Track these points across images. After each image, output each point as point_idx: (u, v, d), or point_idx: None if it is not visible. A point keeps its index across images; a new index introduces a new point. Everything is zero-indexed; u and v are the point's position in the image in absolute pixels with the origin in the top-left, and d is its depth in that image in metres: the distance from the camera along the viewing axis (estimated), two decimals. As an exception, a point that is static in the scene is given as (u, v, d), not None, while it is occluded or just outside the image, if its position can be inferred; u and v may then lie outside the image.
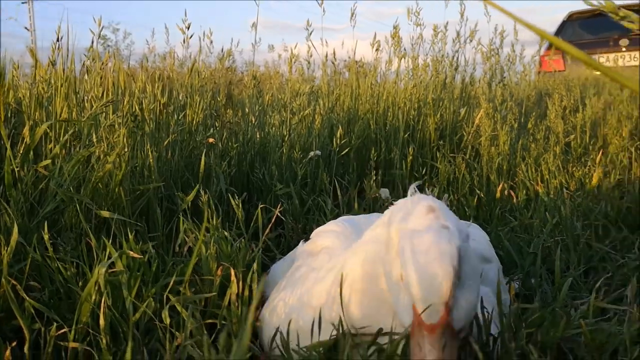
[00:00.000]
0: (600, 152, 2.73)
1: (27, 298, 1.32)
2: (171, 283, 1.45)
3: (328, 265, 1.35)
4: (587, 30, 7.88)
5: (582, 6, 0.90)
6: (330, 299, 1.23)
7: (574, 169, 2.97)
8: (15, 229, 1.43)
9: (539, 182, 2.90)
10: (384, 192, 2.51)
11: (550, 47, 7.61)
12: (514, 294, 1.80)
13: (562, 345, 1.22)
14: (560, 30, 8.64)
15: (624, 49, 7.43)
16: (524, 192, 2.87)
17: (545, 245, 2.05)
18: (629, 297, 1.31)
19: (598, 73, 6.32)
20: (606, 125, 3.69)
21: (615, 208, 2.47)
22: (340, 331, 1.18)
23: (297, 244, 1.72)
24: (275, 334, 1.28)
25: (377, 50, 4.13)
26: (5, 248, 1.41)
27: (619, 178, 2.82)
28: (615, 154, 3.22)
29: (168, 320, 1.32)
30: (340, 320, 1.19)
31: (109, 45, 9.34)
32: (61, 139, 2.06)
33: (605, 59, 7.21)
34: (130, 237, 1.51)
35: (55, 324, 1.28)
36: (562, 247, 2.13)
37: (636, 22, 0.88)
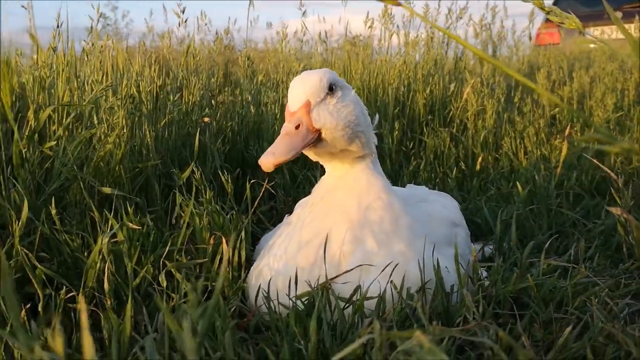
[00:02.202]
0: (569, 127, 2.84)
1: (39, 265, 1.46)
2: (166, 251, 1.59)
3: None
4: (582, 3, 7.89)
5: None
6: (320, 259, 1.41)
7: (557, 140, 3.09)
8: (26, 205, 1.57)
9: (523, 154, 3.02)
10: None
11: (546, 20, 7.64)
12: (487, 257, 1.95)
13: (517, 297, 1.36)
14: (556, 3, 8.66)
15: (617, 21, 7.44)
16: (508, 163, 3.00)
17: (519, 212, 2.18)
18: (572, 254, 1.45)
19: (592, 46, 6.38)
20: (592, 98, 3.79)
21: (589, 176, 2.60)
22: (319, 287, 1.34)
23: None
24: (257, 293, 1.44)
25: (370, 27, 4.24)
26: (17, 222, 1.55)
27: (597, 149, 2.94)
28: (598, 126, 3.33)
29: (165, 284, 1.47)
30: (319, 277, 1.36)
31: (107, 24, 9.29)
32: (64, 121, 2.19)
33: (600, 31, 7.25)
34: (130, 210, 1.65)
35: (64, 288, 1.43)
36: (537, 213, 2.27)
37: None
